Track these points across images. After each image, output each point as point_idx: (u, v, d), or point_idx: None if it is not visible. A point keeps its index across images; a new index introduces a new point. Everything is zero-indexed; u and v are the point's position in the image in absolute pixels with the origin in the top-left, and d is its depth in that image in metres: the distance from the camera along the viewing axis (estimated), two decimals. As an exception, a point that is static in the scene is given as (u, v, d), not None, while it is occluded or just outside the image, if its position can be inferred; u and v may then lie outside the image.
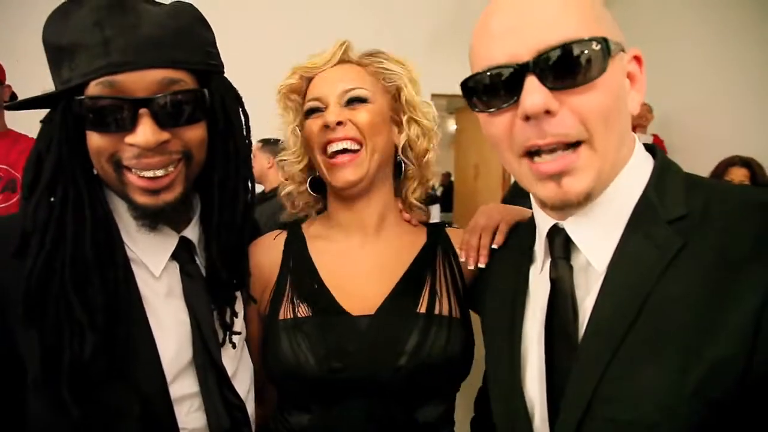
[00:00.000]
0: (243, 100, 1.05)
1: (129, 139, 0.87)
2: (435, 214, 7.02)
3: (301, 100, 1.24)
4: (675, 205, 0.78)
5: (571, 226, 0.83)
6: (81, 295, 0.87)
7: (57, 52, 0.88)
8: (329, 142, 1.17)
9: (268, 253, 1.24)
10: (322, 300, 1.15)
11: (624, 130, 0.80)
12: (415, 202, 1.28)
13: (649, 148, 0.87)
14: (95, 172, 0.94)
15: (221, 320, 1.05)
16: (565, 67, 0.73)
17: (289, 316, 1.14)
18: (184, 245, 1.03)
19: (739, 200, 0.77)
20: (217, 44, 1.00)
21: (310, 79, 1.23)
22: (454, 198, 8.44)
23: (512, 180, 4.57)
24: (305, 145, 1.23)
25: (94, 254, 0.89)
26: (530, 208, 0.99)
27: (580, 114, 0.74)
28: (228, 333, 1.05)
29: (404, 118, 1.23)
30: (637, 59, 0.83)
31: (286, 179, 1.30)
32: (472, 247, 1.14)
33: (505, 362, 0.91)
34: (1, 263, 0.87)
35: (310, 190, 1.28)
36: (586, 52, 0.73)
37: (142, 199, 0.91)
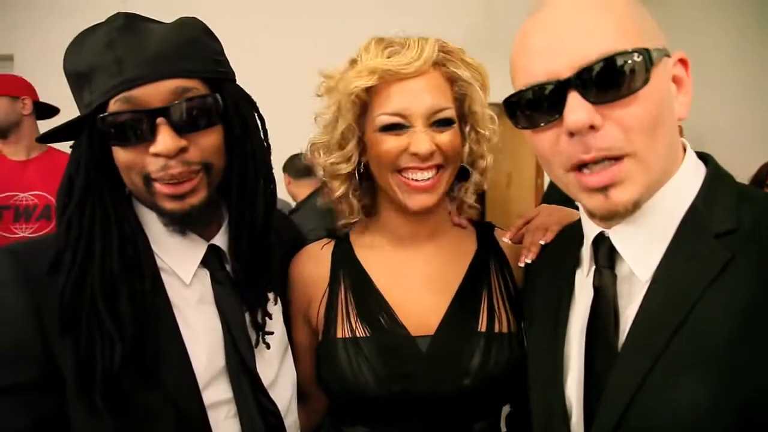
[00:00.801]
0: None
1: (151, 148, 0.91)
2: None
3: (368, 98, 1.11)
4: (724, 218, 0.76)
5: (617, 235, 0.82)
6: (111, 308, 0.90)
7: (77, 78, 0.93)
8: (411, 169, 1.09)
9: (314, 263, 1.22)
10: (381, 319, 1.12)
11: (671, 137, 0.79)
12: (469, 201, 1.24)
13: (701, 155, 0.85)
14: (126, 189, 0.98)
15: (253, 321, 1.06)
16: (606, 81, 0.73)
17: (347, 335, 1.12)
18: (213, 252, 1.05)
19: None
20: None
21: (386, 80, 1.09)
22: (486, 206, 8.39)
23: (545, 188, 4.51)
24: (359, 148, 1.15)
25: (122, 268, 0.92)
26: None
27: (625, 127, 0.74)
28: (261, 334, 1.07)
29: (467, 127, 1.15)
30: (682, 62, 0.81)
31: (333, 180, 1.20)
32: (526, 246, 1.14)
33: (547, 360, 0.91)
34: (39, 279, 0.91)
35: (356, 193, 1.20)
36: (627, 64, 0.72)
37: (169, 205, 0.95)
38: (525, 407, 1.02)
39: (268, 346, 1.07)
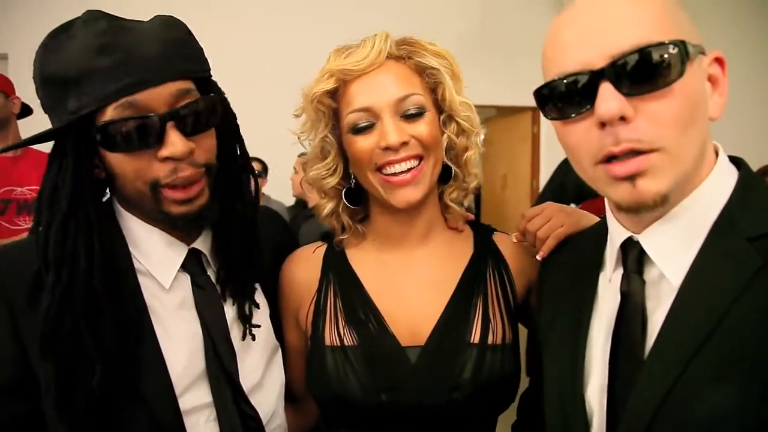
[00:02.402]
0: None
1: (162, 152, 0.89)
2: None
3: (335, 104, 1.11)
4: (757, 222, 0.75)
5: (647, 239, 0.81)
6: (92, 330, 0.89)
7: (59, 84, 0.88)
8: (389, 163, 1.06)
9: (305, 266, 1.20)
10: (370, 326, 1.10)
11: (703, 136, 0.77)
12: (450, 204, 1.18)
13: (733, 159, 0.84)
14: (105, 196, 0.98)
15: (240, 314, 1.06)
16: (640, 72, 0.71)
17: (336, 343, 1.09)
18: (194, 256, 1.04)
19: None
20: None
21: (345, 81, 1.09)
22: (481, 208, 8.41)
23: (540, 190, 4.52)
24: (342, 158, 1.15)
25: (105, 286, 0.91)
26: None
27: (656, 121, 0.72)
28: (248, 326, 1.06)
29: (443, 117, 1.12)
30: (719, 61, 0.79)
31: (322, 197, 1.19)
32: (530, 245, 1.13)
33: (566, 364, 0.89)
34: (13, 288, 0.90)
35: (348, 203, 1.17)
36: (662, 55, 0.71)
37: (177, 209, 0.94)
38: (532, 415, 1.01)
39: (254, 338, 1.07)
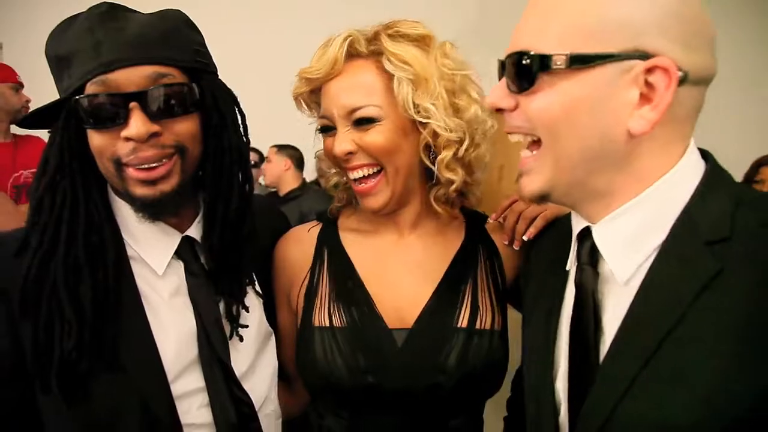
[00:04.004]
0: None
1: (123, 132, 0.90)
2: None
3: (319, 99, 1.15)
4: (718, 224, 0.72)
5: (599, 231, 0.80)
6: (71, 293, 0.91)
7: (57, 62, 0.94)
8: (345, 169, 1.10)
9: (299, 246, 1.21)
10: (360, 309, 1.11)
11: (595, 145, 0.75)
12: (434, 205, 1.15)
13: (703, 153, 0.81)
14: (102, 177, 0.98)
15: (228, 314, 1.07)
16: (512, 73, 0.79)
17: (325, 324, 1.11)
18: (188, 244, 1.05)
19: None
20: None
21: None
22: (478, 200, 8.43)
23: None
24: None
25: (87, 254, 0.93)
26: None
27: (525, 114, 0.79)
28: (235, 326, 1.07)
29: (417, 119, 1.08)
30: (664, 71, 0.70)
31: (329, 169, 1.24)
32: (509, 228, 1.15)
33: (540, 354, 0.91)
34: (7, 269, 0.92)
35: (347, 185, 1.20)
36: (521, 64, 0.77)
37: (140, 190, 0.94)
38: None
39: (241, 339, 1.07)
